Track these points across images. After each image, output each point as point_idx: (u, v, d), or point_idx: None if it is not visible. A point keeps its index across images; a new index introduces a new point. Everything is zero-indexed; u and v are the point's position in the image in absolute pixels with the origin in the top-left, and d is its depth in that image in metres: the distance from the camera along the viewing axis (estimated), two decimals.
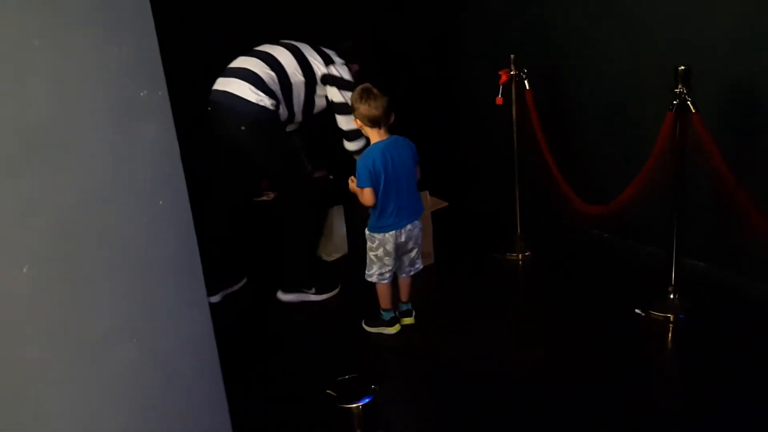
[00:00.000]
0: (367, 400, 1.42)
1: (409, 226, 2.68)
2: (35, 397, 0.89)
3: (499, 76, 3.17)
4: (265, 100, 2.85)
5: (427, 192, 3.38)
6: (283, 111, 2.97)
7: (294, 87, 2.97)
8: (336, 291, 3.20)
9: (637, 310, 2.82)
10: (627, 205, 2.89)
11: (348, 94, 2.92)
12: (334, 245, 3.54)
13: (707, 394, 2.31)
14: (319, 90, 3.05)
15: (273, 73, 2.91)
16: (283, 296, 3.14)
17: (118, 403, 0.96)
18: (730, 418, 2.19)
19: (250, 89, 2.82)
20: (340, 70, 3.03)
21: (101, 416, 0.95)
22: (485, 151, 4.02)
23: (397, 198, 2.64)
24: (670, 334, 2.75)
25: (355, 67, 3.14)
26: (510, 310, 3.03)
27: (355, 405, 1.42)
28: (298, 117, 3.07)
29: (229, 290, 3.23)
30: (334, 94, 3.01)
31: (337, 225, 3.49)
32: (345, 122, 3.02)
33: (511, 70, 3.19)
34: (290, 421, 2.30)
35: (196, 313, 1.05)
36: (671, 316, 2.77)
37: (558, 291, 3.12)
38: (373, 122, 2.60)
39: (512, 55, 3.20)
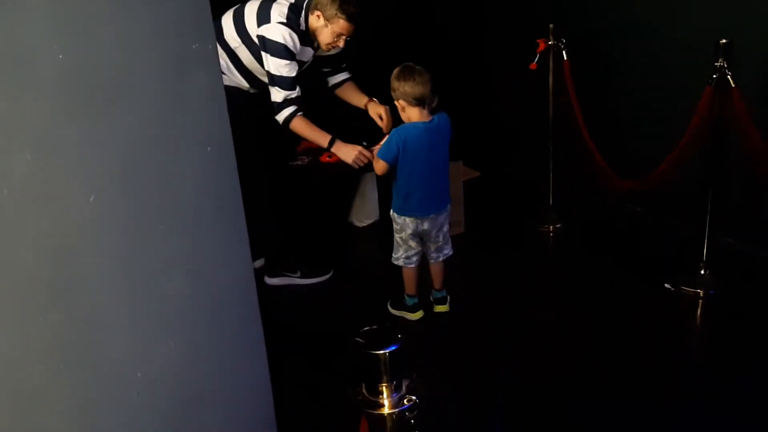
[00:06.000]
0: (393, 348, 1.49)
1: (433, 215, 2.57)
2: (95, 319, 0.98)
3: (537, 45, 3.16)
4: None
5: (461, 162, 3.41)
6: (243, 83, 2.78)
7: (241, 56, 2.73)
8: (327, 276, 3.09)
9: (667, 285, 2.83)
10: (661, 179, 2.88)
11: (272, 60, 2.63)
12: (366, 211, 3.60)
13: (732, 368, 2.33)
14: None
15: (219, 47, 2.68)
16: (269, 280, 3.06)
17: (168, 330, 1.05)
18: (754, 392, 2.21)
19: None
20: (270, 30, 2.63)
21: (153, 341, 1.04)
22: (519, 121, 4.01)
23: (426, 187, 2.53)
24: (699, 309, 2.76)
25: (317, 14, 2.65)
26: (538, 280, 3.06)
27: (382, 352, 1.49)
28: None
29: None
30: (264, 59, 2.67)
31: (369, 191, 3.54)
32: (272, 95, 2.70)
33: (549, 40, 3.18)
34: (320, 367, 2.46)
35: (238, 253, 1.14)
36: (701, 292, 2.78)
37: (587, 263, 3.14)
38: (419, 101, 2.43)
39: (551, 25, 3.18)
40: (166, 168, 1.04)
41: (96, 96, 0.93)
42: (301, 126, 2.73)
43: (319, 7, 2.65)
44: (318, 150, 3.51)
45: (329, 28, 2.67)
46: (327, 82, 3.03)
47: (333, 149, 2.77)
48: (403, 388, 1.59)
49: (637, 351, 2.46)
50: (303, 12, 2.70)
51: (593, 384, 2.30)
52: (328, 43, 2.73)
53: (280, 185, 3.05)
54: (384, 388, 1.57)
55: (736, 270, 2.90)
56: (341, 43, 2.73)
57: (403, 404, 1.56)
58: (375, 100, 2.96)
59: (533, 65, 3.16)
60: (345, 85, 3.04)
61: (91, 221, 0.92)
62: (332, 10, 2.62)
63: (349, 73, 3.04)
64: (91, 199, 0.91)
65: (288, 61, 2.65)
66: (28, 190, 0.87)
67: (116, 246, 0.96)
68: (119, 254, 0.97)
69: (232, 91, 2.72)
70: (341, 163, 3.43)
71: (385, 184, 3.31)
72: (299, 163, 3.44)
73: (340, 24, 2.64)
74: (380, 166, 2.53)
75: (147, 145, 1.01)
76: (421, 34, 3.90)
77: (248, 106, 2.80)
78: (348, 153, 2.74)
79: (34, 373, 0.93)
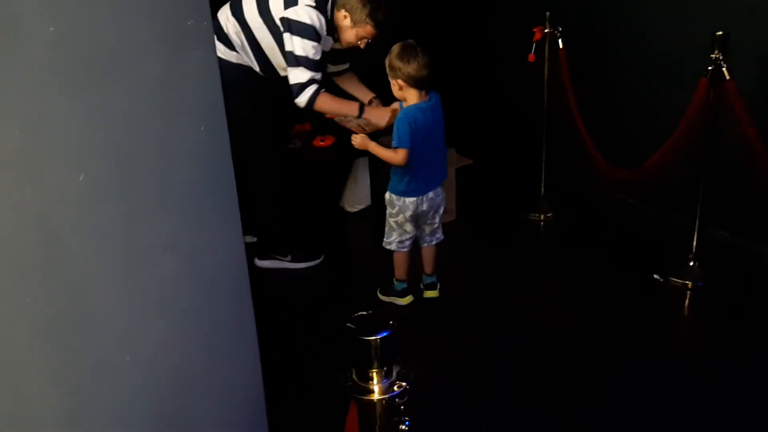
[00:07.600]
0: (385, 334, 1.48)
1: (431, 194, 2.55)
2: (84, 301, 0.97)
3: (533, 33, 3.14)
4: (227, 54, 2.66)
5: (453, 149, 3.40)
6: (255, 65, 2.73)
7: (259, 38, 2.66)
8: (318, 261, 3.07)
9: (656, 276, 2.84)
10: (654, 170, 2.89)
11: (298, 41, 2.55)
12: (357, 197, 3.59)
13: (720, 360, 2.35)
14: None
15: (237, 24, 2.65)
16: (259, 262, 3.03)
17: (158, 312, 1.04)
18: (742, 384, 2.23)
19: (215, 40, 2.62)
20: (298, 12, 2.56)
21: (143, 322, 1.03)
22: (513, 109, 4.00)
23: (431, 164, 2.52)
24: (686, 301, 2.78)
25: (344, 14, 2.62)
26: (528, 269, 3.06)
27: (373, 338, 1.48)
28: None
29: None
30: (286, 41, 2.59)
31: (361, 176, 3.53)
32: (294, 76, 2.62)
33: (546, 28, 3.16)
34: (310, 351, 2.47)
35: (229, 235, 1.12)
36: (690, 284, 2.80)
37: (577, 253, 3.15)
38: (420, 83, 2.41)
39: (548, 13, 3.16)
40: (158, 147, 1.02)
41: (87, 71, 0.91)
42: (327, 101, 2.68)
43: (347, 7, 2.60)
44: (311, 134, 3.47)
45: (354, 30, 2.63)
46: (327, 67, 2.97)
47: (365, 115, 2.72)
48: (394, 374, 1.58)
49: (624, 342, 2.48)
50: (330, 1, 2.65)
51: (580, 375, 2.32)
52: (349, 43, 2.70)
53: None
54: (374, 374, 1.56)
55: (725, 262, 2.92)
56: (362, 45, 2.69)
57: (393, 390, 1.55)
58: (378, 99, 2.93)
59: (531, 57, 3.14)
60: (346, 75, 3.03)
61: (80, 200, 0.91)
62: (361, 15, 2.58)
63: (349, 62, 3.02)
64: (80, 178, 0.89)
65: (315, 43, 2.59)
66: (16, 167, 0.85)
67: (106, 226, 0.94)
68: (108, 234, 0.95)
69: (242, 69, 2.73)
70: (334, 148, 3.41)
71: (377, 169, 3.30)
72: (292, 146, 3.41)
73: (367, 30, 2.61)
74: (401, 156, 2.44)
75: (139, 123, 0.99)
76: (416, 19, 3.86)
77: (259, 86, 2.77)
78: (382, 116, 2.71)
79: (21, 354, 0.91)
